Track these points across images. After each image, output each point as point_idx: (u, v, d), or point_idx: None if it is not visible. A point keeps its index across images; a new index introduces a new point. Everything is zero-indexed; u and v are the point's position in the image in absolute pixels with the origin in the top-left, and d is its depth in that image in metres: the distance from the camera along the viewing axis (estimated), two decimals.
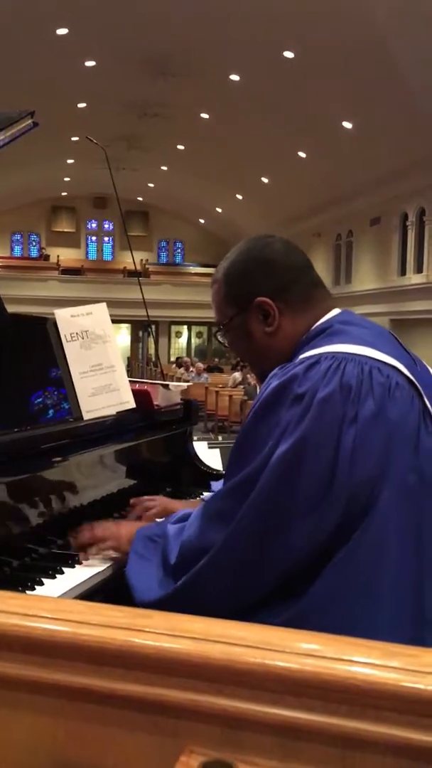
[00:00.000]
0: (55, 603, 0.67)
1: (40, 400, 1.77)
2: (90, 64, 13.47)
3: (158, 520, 1.62)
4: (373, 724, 0.57)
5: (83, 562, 1.51)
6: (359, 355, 1.14)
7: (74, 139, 16.01)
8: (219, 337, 1.46)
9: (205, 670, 0.59)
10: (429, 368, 1.29)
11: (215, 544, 1.17)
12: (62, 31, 11.87)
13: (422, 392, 1.17)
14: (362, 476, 1.07)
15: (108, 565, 1.52)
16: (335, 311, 1.32)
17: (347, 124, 13.84)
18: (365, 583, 1.08)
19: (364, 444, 1.08)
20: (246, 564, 1.15)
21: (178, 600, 1.21)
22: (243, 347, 1.39)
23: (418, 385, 1.17)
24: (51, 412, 1.78)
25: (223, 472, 2.27)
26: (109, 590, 1.49)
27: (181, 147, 18.82)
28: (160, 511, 1.71)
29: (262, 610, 1.14)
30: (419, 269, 15.24)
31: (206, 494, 2.06)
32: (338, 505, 1.08)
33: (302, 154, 16.21)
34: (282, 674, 0.58)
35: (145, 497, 1.79)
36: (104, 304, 2.02)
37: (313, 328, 1.28)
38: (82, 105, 15.51)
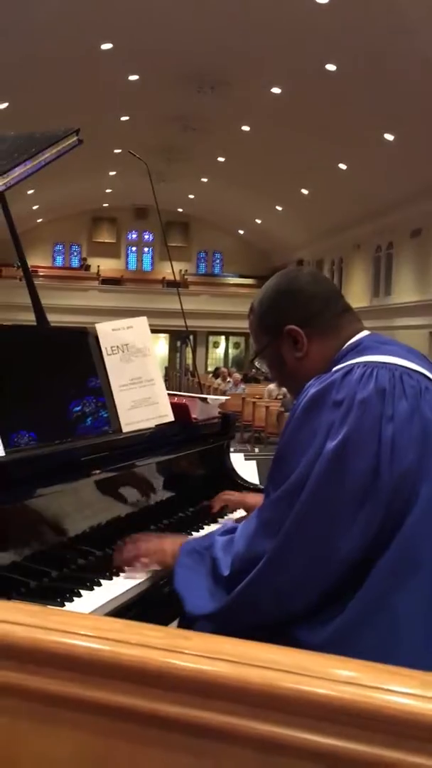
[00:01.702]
0: (95, 621, 0.68)
1: (79, 408, 1.80)
2: (133, 78, 13.67)
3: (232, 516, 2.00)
4: (410, 755, 0.56)
5: (121, 574, 1.53)
6: (389, 363, 1.22)
7: (117, 151, 16.25)
8: (256, 364, 1.54)
9: (243, 693, 0.59)
10: None
11: (267, 552, 1.20)
12: (107, 46, 12.08)
13: None
14: (403, 468, 1.13)
15: (146, 577, 1.53)
16: (364, 332, 1.39)
17: (389, 136, 13.76)
18: (406, 581, 1.12)
19: (402, 437, 1.14)
20: (297, 570, 1.18)
21: (233, 611, 1.25)
22: (277, 372, 1.49)
23: None
24: (89, 420, 1.81)
25: (260, 485, 2.29)
26: (147, 602, 1.50)
27: (221, 159, 18.93)
28: (239, 501, 2.01)
29: (309, 618, 1.18)
30: None
31: None
32: (383, 500, 1.13)
33: (343, 166, 16.16)
34: (318, 701, 0.58)
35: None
36: (144, 318, 2.04)
37: (343, 347, 1.35)
38: (125, 118, 15.74)
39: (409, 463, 1.13)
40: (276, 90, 13.69)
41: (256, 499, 1.93)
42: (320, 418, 1.18)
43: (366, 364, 1.22)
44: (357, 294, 18.84)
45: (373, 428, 1.14)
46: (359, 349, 1.31)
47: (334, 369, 1.26)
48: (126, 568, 1.54)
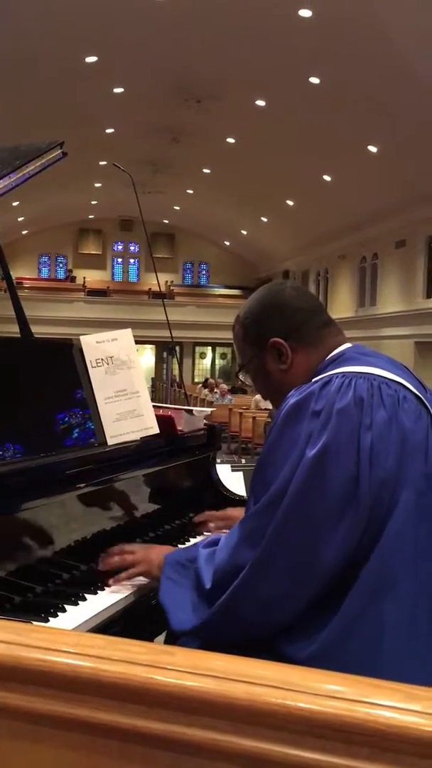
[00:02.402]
0: (77, 637, 0.67)
1: (65, 420, 1.79)
2: (118, 90, 13.72)
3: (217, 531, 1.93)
4: None
5: (107, 588, 1.51)
6: (367, 373, 1.24)
7: (102, 163, 16.27)
8: (241, 377, 1.55)
9: (227, 709, 0.59)
10: None
11: (248, 564, 1.20)
12: (91, 59, 12.13)
13: (430, 409, 1.25)
14: (382, 475, 1.14)
15: (130, 591, 1.52)
16: (347, 345, 1.41)
17: (372, 148, 13.90)
18: (390, 587, 1.12)
19: (381, 445, 1.16)
20: (279, 579, 1.18)
21: (216, 623, 1.25)
22: (262, 384, 1.50)
23: (426, 402, 1.26)
24: (76, 432, 1.80)
25: (246, 497, 2.29)
26: (131, 617, 1.49)
27: (207, 170, 19.02)
28: (222, 515, 1.99)
29: (295, 633, 1.18)
30: None
31: None
32: (364, 508, 1.13)
33: (327, 178, 16.29)
34: (303, 715, 0.58)
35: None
36: (129, 330, 2.04)
37: (326, 359, 1.37)
38: (110, 130, 15.78)
39: (388, 470, 1.15)
40: (260, 102, 13.80)
41: (239, 511, 1.94)
42: (300, 428, 1.20)
43: (345, 374, 1.24)
44: (343, 304, 18.94)
45: (351, 437, 1.16)
46: (340, 360, 1.33)
47: (314, 380, 1.27)
48: (110, 580, 1.53)
